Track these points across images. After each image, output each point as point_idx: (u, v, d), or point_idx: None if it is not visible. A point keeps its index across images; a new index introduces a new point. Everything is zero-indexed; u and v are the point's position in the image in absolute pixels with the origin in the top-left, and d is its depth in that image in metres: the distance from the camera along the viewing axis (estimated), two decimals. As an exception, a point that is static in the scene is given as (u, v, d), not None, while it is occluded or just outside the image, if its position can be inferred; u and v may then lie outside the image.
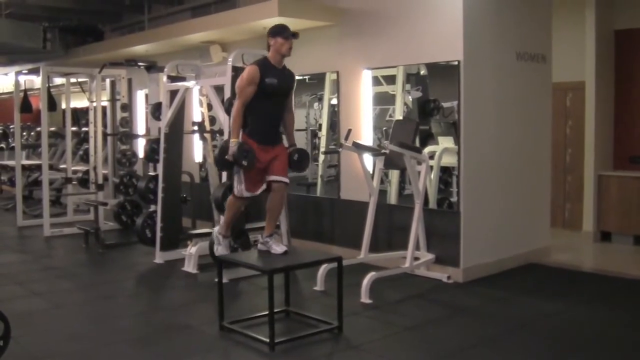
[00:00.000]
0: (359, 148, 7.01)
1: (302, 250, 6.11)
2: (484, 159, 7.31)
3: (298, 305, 6.11)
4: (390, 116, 8.32)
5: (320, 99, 9.37)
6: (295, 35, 5.83)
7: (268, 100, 5.72)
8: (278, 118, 5.90)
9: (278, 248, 5.65)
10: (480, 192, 7.29)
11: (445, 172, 7.87)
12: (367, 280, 6.44)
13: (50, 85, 12.10)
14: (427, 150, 7.50)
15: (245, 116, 5.71)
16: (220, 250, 6.06)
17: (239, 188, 5.85)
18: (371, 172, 7.43)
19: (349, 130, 6.90)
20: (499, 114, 7.48)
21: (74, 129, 12.76)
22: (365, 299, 6.39)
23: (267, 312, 5.17)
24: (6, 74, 16.23)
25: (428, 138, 7.97)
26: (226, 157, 5.63)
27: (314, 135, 9.96)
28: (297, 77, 9.23)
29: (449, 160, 7.58)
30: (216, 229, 6.34)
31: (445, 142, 7.67)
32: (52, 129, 14.26)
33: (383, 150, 6.74)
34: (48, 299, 6.73)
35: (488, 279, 7.23)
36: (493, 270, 7.42)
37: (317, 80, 9.19)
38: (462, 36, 6.96)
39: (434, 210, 7.55)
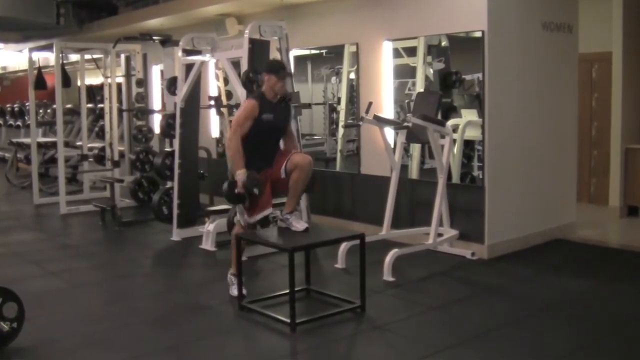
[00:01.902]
0: (381, 121, 6.82)
1: (323, 227, 5.95)
2: (509, 133, 7.10)
3: (319, 284, 5.96)
4: (410, 89, 8.12)
5: (338, 73, 9.18)
6: (289, 74, 5.76)
7: (264, 135, 5.63)
8: (274, 149, 5.80)
9: (299, 225, 5.48)
10: (505, 166, 7.08)
11: (468, 146, 7.65)
12: (389, 258, 6.27)
13: (65, 62, 12.01)
14: (450, 123, 7.26)
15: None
16: (233, 290, 5.76)
17: (243, 219, 5.68)
18: (392, 146, 7.22)
19: (370, 103, 6.70)
20: (524, 86, 7.24)
21: (89, 105, 12.66)
22: (388, 276, 6.23)
23: (287, 291, 5.04)
24: (21, 51, 16.10)
25: (450, 111, 7.74)
26: (237, 190, 5.46)
27: (332, 109, 9.78)
28: (315, 51, 9.23)
29: (473, 134, 7.37)
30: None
31: (469, 115, 7.44)
32: (69, 106, 14.16)
33: (405, 124, 6.52)
34: (64, 279, 6.62)
35: (513, 256, 7.05)
36: (518, 247, 7.23)
37: (335, 53, 8.99)
38: (486, 5, 6.72)
39: (457, 184, 7.35)
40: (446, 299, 5.75)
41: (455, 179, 7.40)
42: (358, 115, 8.10)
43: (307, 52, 9.42)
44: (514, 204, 7.22)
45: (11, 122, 18.01)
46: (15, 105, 17.35)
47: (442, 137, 6.80)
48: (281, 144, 5.93)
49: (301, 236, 5.35)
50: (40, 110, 15.53)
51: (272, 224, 5.88)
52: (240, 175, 5.42)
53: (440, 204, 6.72)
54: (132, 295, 6.14)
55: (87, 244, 8.26)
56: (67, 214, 10.07)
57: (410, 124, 6.43)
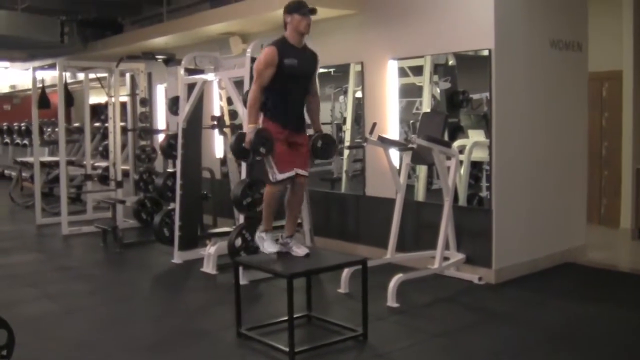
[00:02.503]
0: (385, 142, 6.65)
1: (325, 251, 5.77)
2: (517, 153, 6.93)
3: (321, 310, 5.78)
4: (417, 109, 7.97)
5: (346, 92, 9.04)
6: (313, 10, 5.34)
7: (289, 83, 5.24)
8: (301, 102, 5.42)
9: (299, 250, 5.31)
10: (513, 188, 6.91)
11: (475, 167, 7.48)
12: (393, 283, 6.09)
13: (72, 80, 11.93)
14: (456, 144, 7.12)
15: (265, 101, 5.25)
16: (266, 247, 5.40)
17: (272, 173, 5.29)
18: (397, 167, 7.06)
19: (374, 124, 6.55)
20: (533, 106, 7.08)
21: (97, 124, 12.56)
22: (391, 302, 6.04)
23: (287, 318, 4.86)
24: (27, 70, 16.07)
25: (457, 131, 7.58)
26: (243, 144, 5.21)
27: (339, 128, 9.63)
28: (321, 70, 9.07)
29: (480, 155, 7.20)
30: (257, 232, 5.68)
31: (476, 135, 7.28)
32: (76, 124, 14.10)
33: (410, 145, 6.36)
34: (60, 302, 6.47)
35: (522, 280, 6.86)
36: (526, 271, 7.04)
37: (343, 72, 8.86)
38: (493, 23, 6.57)
39: (464, 207, 7.17)
40: (452, 326, 5.57)
41: (462, 201, 7.23)
42: (364, 135, 7.95)
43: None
44: (522, 227, 7.05)
45: (18, 140, 18.02)
46: (22, 124, 17.31)
47: (448, 158, 6.65)
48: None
49: (301, 261, 5.18)
50: (49, 129, 15.48)
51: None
52: (249, 130, 5.14)
53: (446, 227, 6.55)
54: (129, 320, 5.97)
55: (86, 265, 8.12)
56: (69, 234, 9.94)
57: (414, 145, 6.27)
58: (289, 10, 5.30)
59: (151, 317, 6.05)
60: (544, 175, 7.26)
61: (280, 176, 5.26)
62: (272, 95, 5.23)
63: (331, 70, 9.16)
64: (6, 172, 17.64)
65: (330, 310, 6.00)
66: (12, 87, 21.06)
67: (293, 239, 5.40)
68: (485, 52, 6.67)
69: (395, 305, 6.01)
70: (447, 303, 6.24)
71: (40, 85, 11.06)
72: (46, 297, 6.68)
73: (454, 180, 6.59)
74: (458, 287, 6.66)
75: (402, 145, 6.75)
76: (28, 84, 10.95)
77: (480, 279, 6.76)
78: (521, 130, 6.97)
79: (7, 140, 19.26)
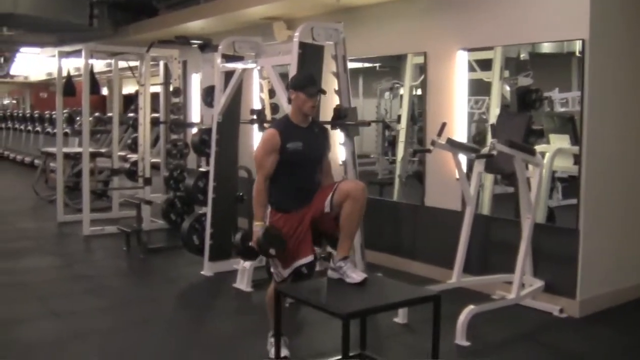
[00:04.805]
0: (455, 146, 5.62)
1: (385, 279, 4.72)
2: (611, 164, 5.90)
3: (375, 347, 4.73)
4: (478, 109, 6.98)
5: (392, 88, 8.27)
6: (322, 91, 4.54)
7: (296, 168, 4.43)
8: (311, 185, 4.51)
9: (355, 275, 4.24)
10: (605, 205, 5.86)
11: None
12: (464, 317, 5.06)
13: (107, 68, 11.10)
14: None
15: (270, 191, 4.43)
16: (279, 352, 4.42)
17: (277, 272, 4.49)
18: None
19: (444, 124, 5.52)
20: (630, 109, 6.05)
21: (130, 114, 11.78)
22: (461, 340, 5.02)
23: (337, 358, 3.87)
24: (53, 56, 15.37)
25: (532, 135, 6.53)
26: (250, 244, 4.40)
27: (386, 126, 8.69)
28: (366, 64, 8.14)
29: (564, 165, 6.14)
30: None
31: (559, 141, 6.21)
32: (110, 114, 13.29)
33: (492, 152, 5.27)
34: (68, 323, 5.56)
35: (608, 314, 5.82)
36: (612, 303, 5.99)
37: (390, 67, 8.12)
38: (588, 10, 5.52)
39: (541, 225, 6.04)
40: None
41: (540, 218, 6.12)
42: (424, 136, 6.97)
43: (359, 65, 8.33)
44: (613, 251, 6.00)
45: (49, 129, 17.37)
46: (53, 113, 16.56)
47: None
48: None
49: (358, 293, 4.13)
50: (78, 118, 14.71)
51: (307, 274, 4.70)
52: (256, 229, 4.33)
53: (526, 250, 5.49)
54: (146, 351, 5.01)
55: (104, 275, 7.22)
56: (90, 235, 9.08)
57: (495, 152, 5.20)
58: (294, 86, 4.50)
59: (172, 349, 5.05)
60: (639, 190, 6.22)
61: (287, 272, 4.45)
62: (278, 183, 4.43)
63: (376, 65, 8.35)
64: (36, 161, 16.93)
65: (386, 347, 5.03)
66: (49, 74, 20.61)
67: (347, 262, 4.37)
68: (562, 47, 5.84)
69: (466, 344, 4.99)
70: (525, 341, 5.24)
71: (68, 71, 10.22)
72: (53, 314, 5.76)
73: (537, 194, 5.53)
74: (536, 320, 5.64)
75: (476, 151, 5.70)
76: (63, 72, 10.21)
77: (561, 310, 5.74)
78: (617, 137, 5.92)
79: (39, 128, 18.69)
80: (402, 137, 7.86)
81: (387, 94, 8.79)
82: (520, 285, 5.48)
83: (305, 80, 4.51)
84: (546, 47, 6.31)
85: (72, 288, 6.67)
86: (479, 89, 6.91)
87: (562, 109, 6.46)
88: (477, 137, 7.04)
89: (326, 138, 4.68)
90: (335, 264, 4.34)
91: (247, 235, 4.42)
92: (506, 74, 6.77)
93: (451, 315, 5.07)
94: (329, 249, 5.66)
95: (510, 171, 5.54)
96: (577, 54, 5.91)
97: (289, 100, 4.54)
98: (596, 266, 5.82)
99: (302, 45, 5.96)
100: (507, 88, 6.85)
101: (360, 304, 3.99)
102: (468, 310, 5.09)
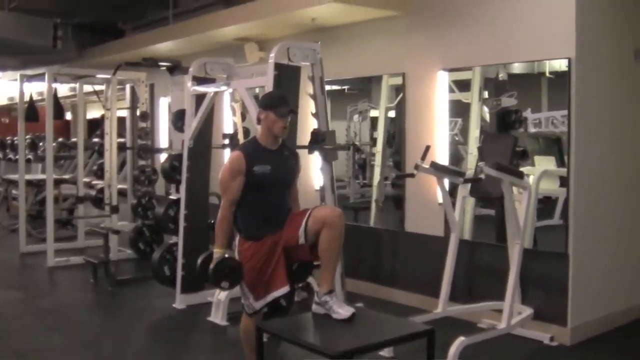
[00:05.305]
0: (439, 170, 5.40)
1: (370, 311, 4.45)
2: (600, 185, 5.74)
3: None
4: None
5: (361, 112, 8.12)
6: (293, 111, 4.36)
7: (263, 193, 4.19)
8: (280, 209, 4.27)
9: (342, 311, 3.97)
10: (595, 228, 5.70)
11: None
12: (455, 349, 4.78)
13: (72, 93, 10.79)
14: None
15: (236, 217, 4.19)
16: None
17: (248, 303, 4.24)
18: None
19: (427, 147, 5.31)
20: (618, 128, 5.92)
21: (95, 140, 11.45)
22: (451, 374, 4.76)
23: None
24: (15, 80, 15.00)
25: (517, 157, 6.35)
26: (209, 271, 4.11)
27: (356, 149, 8.48)
28: (334, 87, 7.93)
29: (549, 187, 5.95)
30: None
31: (545, 162, 6.03)
32: (74, 139, 12.93)
33: (480, 175, 5.04)
34: (30, 365, 5.20)
35: (599, 341, 5.64)
36: (603, 329, 5.81)
37: (359, 89, 8.00)
38: (574, 29, 5.37)
39: (529, 249, 5.81)
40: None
41: (528, 243, 5.88)
42: (402, 159, 6.75)
43: (327, 87, 8.17)
44: (604, 275, 5.83)
45: (11, 156, 16.91)
46: (15, 138, 16.13)
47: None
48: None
49: (347, 330, 3.87)
50: (41, 144, 14.32)
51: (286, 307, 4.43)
52: (215, 256, 4.08)
53: (516, 277, 5.26)
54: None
55: (71, 309, 6.85)
56: (55, 266, 8.69)
57: (483, 176, 4.98)
58: (264, 105, 4.27)
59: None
60: (631, 212, 6.10)
61: (259, 304, 4.21)
62: (245, 207, 4.20)
63: (345, 88, 8.24)
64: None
65: (374, 384, 4.73)
66: (10, 99, 20.11)
67: (333, 296, 4.10)
68: (543, 68, 5.75)
69: (457, 378, 4.73)
70: (518, 374, 4.98)
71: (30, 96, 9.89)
72: (15, 354, 5.39)
73: (525, 219, 5.32)
74: (527, 349, 5.44)
75: (461, 175, 5.49)
76: (25, 96, 9.87)
77: (552, 338, 5.55)
78: (605, 158, 5.77)
79: (0, 155, 18.24)
80: (377, 161, 7.64)
81: (355, 116, 8.56)
82: (510, 314, 5.24)
83: (276, 99, 4.30)
84: (516, 68, 6.19)
85: (37, 324, 6.32)
86: (456, 110, 6.73)
87: (535, 130, 6.30)
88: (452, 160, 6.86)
89: (297, 162, 4.45)
90: (320, 298, 4.07)
91: (207, 261, 4.14)
92: (485, 94, 6.61)
93: (439, 345, 4.76)
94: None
95: (497, 194, 5.32)
96: (547, 74, 5.87)
97: (258, 121, 4.29)
98: (587, 291, 5.63)
99: (278, 67, 5.71)
100: (486, 109, 6.68)
101: (351, 342, 3.72)
102: (459, 342, 4.83)
